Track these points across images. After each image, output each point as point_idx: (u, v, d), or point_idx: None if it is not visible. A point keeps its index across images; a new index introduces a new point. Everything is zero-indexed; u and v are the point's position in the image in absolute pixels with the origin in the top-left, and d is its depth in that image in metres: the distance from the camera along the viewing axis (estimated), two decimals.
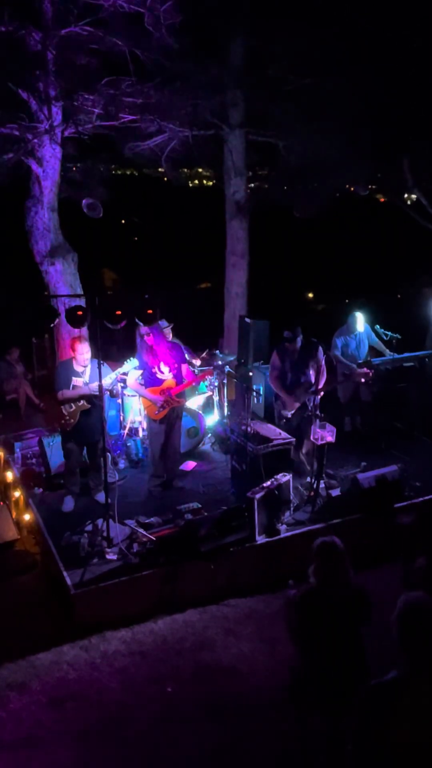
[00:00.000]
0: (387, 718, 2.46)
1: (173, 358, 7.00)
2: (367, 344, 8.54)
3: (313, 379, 7.02)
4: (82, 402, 6.58)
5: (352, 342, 8.43)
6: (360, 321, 8.38)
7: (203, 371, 7.23)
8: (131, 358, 6.95)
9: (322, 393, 6.93)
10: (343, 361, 8.33)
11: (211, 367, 7.77)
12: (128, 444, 8.05)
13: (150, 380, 6.93)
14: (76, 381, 6.59)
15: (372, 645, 3.63)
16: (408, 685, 2.50)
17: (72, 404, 6.60)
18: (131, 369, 6.91)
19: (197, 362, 8.30)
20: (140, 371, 6.93)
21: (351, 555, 3.70)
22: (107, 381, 6.46)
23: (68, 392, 6.57)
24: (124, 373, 6.93)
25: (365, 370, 7.91)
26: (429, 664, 2.51)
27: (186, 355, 7.51)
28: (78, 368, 6.63)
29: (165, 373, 6.93)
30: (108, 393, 6.51)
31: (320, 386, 6.97)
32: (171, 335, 7.30)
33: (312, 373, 7.03)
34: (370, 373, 7.90)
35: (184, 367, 7.09)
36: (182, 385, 6.99)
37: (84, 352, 6.59)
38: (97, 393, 6.33)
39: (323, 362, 7.09)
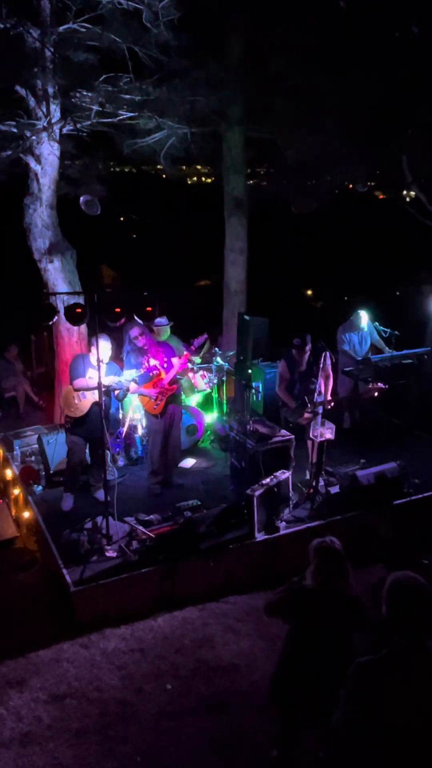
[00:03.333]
0: (375, 694, 2.49)
1: (162, 353, 7.08)
2: (370, 341, 8.58)
3: (321, 388, 6.83)
4: (95, 394, 6.56)
5: (355, 338, 8.48)
6: (364, 318, 8.43)
7: (186, 353, 7.23)
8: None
9: (333, 404, 6.89)
10: (350, 355, 8.37)
11: (193, 347, 7.67)
12: (128, 442, 8.06)
13: (143, 378, 6.95)
14: (92, 373, 6.59)
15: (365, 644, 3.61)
16: (396, 661, 2.53)
17: (85, 393, 6.61)
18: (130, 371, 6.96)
19: (197, 358, 8.28)
20: (134, 370, 6.97)
21: (348, 552, 3.68)
22: (122, 379, 6.55)
23: (83, 381, 6.58)
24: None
25: (380, 385, 7.88)
26: (417, 640, 2.54)
27: (184, 351, 7.51)
28: (95, 362, 6.61)
29: (156, 367, 6.98)
30: (114, 392, 6.58)
31: (329, 396, 6.91)
32: (168, 333, 7.30)
33: (321, 381, 6.85)
34: (385, 388, 7.88)
35: (174, 359, 7.10)
36: (171, 372, 7.01)
37: (105, 348, 6.57)
38: (114, 387, 6.43)
39: (330, 369, 7.01)
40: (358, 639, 3.61)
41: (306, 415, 6.88)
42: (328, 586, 3.49)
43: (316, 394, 6.72)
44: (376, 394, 7.95)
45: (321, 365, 6.69)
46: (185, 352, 7.22)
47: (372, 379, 8.05)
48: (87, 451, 7.05)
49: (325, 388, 6.81)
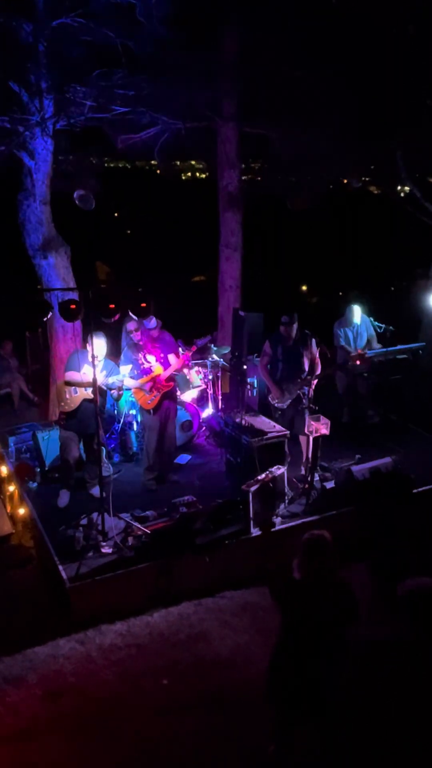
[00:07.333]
0: (381, 678, 2.50)
1: (159, 349, 7.07)
2: (366, 336, 8.60)
3: (305, 366, 7.06)
4: (87, 390, 6.54)
5: (350, 333, 8.50)
6: (357, 313, 8.45)
7: (186, 352, 7.25)
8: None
9: (315, 382, 6.95)
10: (346, 348, 8.40)
11: (194, 347, 7.69)
12: (123, 438, 8.05)
13: (139, 375, 6.94)
14: (88, 369, 6.57)
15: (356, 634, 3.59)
16: (412, 654, 2.54)
17: (76, 389, 6.59)
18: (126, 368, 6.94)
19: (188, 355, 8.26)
20: (130, 366, 6.96)
21: (344, 547, 3.66)
22: (116, 379, 6.53)
23: (76, 375, 6.55)
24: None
25: (360, 352, 8.03)
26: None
27: (180, 349, 7.51)
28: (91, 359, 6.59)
29: (152, 363, 6.98)
30: (110, 390, 6.58)
31: (312, 375, 7.02)
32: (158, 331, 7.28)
33: (306, 363, 7.06)
34: (366, 354, 8.02)
35: (171, 356, 7.10)
36: (168, 369, 7.01)
37: (100, 345, 6.56)
38: (108, 386, 6.44)
39: (317, 354, 7.12)
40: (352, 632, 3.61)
41: (286, 397, 7.06)
42: (315, 577, 3.49)
43: (300, 372, 6.93)
44: (358, 362, 8.06)
45: (306, 346, 6.99)
46: (186, 352, 7.21)
47: (366, 374, 8.09)
48: (81, 447, 7.04)
49: (310, 369, 7.00)
